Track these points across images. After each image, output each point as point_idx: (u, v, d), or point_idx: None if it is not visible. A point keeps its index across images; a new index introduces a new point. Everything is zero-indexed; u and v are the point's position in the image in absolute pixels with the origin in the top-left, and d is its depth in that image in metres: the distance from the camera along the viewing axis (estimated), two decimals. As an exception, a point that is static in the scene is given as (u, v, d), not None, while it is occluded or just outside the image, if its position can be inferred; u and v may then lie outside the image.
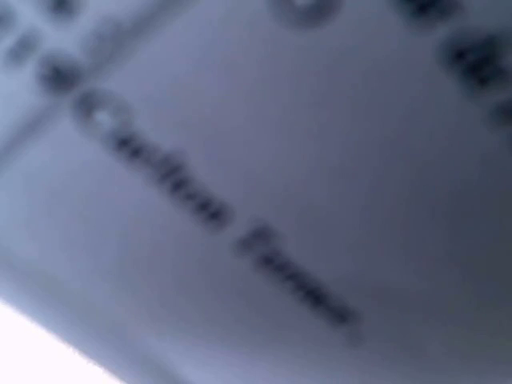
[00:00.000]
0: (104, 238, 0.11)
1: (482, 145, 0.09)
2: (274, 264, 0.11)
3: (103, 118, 0.09)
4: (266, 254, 0.11)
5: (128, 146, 0.10)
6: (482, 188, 0.09)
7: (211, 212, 0.10)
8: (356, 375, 0.12)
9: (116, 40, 0.09)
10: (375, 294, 0.11)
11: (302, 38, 0.08)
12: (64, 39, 0.09)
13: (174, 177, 0.10)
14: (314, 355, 0.12)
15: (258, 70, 0.09)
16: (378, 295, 0.11)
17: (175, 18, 0.08)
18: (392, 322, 0.11)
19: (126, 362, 0.12)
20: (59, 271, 0.11)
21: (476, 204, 0.09)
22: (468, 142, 0.09)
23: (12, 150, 0.10)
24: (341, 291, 0.11)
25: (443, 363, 0.11)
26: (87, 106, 0.09)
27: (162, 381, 0.12)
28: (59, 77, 0.09)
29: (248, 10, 0.08)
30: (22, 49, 0.09)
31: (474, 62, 0.08)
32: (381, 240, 0.10)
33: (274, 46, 0.08)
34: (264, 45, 0.08)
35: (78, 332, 0.12)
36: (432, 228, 0.10)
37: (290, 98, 0.09)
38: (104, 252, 0.11)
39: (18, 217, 0.11)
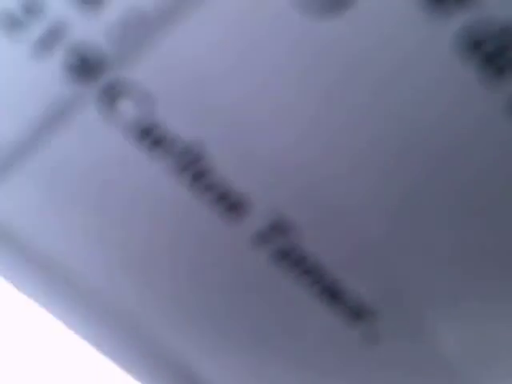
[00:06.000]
0: (124, 227, 0.11)
1: (501, 134, 0.09)
2: (291, 258, 0.11)
3: (127, 107, 0.10)
4: (284, 247, 0.11)
5: (150, 136, 0.10)
6: (500, 179, 0.09)
7: (230, 203, 0.10)
8: (371, 373, 0.12)
9: (141, 29, 0.09)
10: (392, 291, 0.11)
11: (322, 26, 0.08)
12: (91, 28, 0.09)
13: (193, 167, 0.10)
14: (330, 352, 0.12)
15: (280, 60, 0.09)
16: (395, 293, 0.11)
17: (199, 7, 0.09)
18: (408, 320, 0.11)
19: (141, 358, 0.12)
20: (79, 262, 0.11)
21: (493, 198, 0.09)
22: (486, 131, 0.09)
23: (39, 138, 0.10)
24: (358, 288, 0.11)
25: (458, 363, 0.11)
26: (112, 95, 0.10)
27: (176, 377, 0.13)
28: (86, 66, 0.09)
29: (269, 1, 0.08)
30: (51, 38, 0.09)
31: (491, 52, 0.08)
32: (399, 236, 0.10)
33: (294, 36, 0.08)
34: (285, 34, 0.08)
35: (92, 327, 0.12)
36: (447, 224, 0.10)
37: (312, 89, 0.09)
38: (124, 241, 0.11)
39: (44, 205, 0.11)
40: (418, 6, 0.08)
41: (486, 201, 0.09)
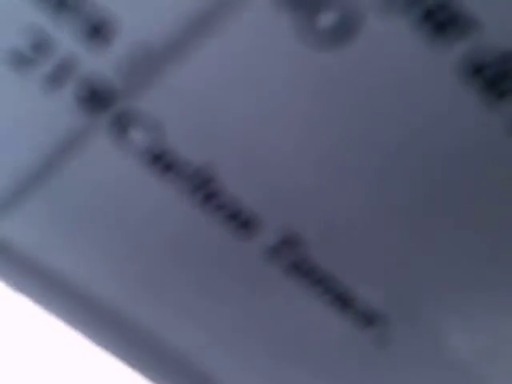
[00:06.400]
0: (139, 248, 0.11)
1: (501, 156, 0.09)
2: (303, 270, 0.11)
3: (137, 136, 0.10)
4: (295, 260, 0.11)
5: (161, 161, 0.10)
6: (499, 197, 0.09)
7: (241, 222, 0.11)
8: (383, 376, 0.12)
9: (148, 63, 0.09)
10: (401, 296, 0.11)
11: (326, 58, 0.08)
12: (100, 63, 0.09)
13: (204, 189, 0.10)
14: (342, 357, 0.12)
15: (285, 89, 0.09)
16: (405, 298, 0.11)
17: (204, 41, 0.09)
18: (417, 323, 0.11)
19: (157, 364, 0.13)
20: (96, 282, 0.12)
21: (492, 212, 0.10)
22: (487, 153, 0.09)
23: (52, 167, 0.10)
24: (368, 295, 0.11)
25: (469, 365, 0.12)
26: (122, 125, 0.10)
27: (189, 379, 0.13)
28: (96, 98, 0.10)
29: (273, 32, 0.08)
30: (61, 73, 0.09)
31: (491, 77, 0.08)
32: (407, 244, 0.11)
33: (298, 67, 0.09)
34: (289, 66, 0.09)
35: (103, 330, 0.13)
36: (454, 233, 0.10)
37: (316, 115, 0.09)
38: (139, 261, 0.11)
39: (57, 232, 0.11)
40: (420, 36, 0.08)
41: (488, 214, 0.10)
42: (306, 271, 0.11)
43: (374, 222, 0.11)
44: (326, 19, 0.08)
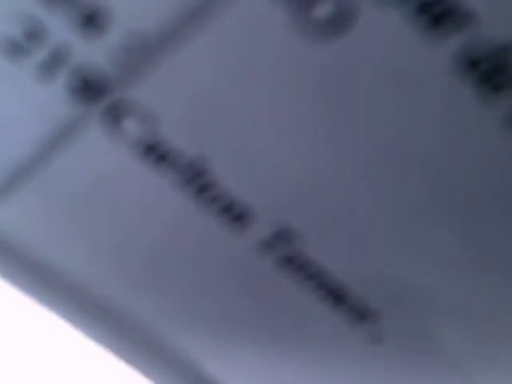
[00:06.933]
0: (131, 240, 0.11)
1: (497, 149, 0.09)
2: (296, 264, 0.11)
3: (131, 126, 0.10)
4: (288, 254, 0.11)
5: (154, 152, 0.10)
6: (496, 191, 0.09)
7: (234, 214, 0.11)
8: (376, 372, 0.12)
9: (142, 53, 0.09)
10: (394, 292, 0.11)
11: (321, 49, 0.08)
12: (93, 53, 0.09)
13: (198, 181, 0.10)
14: (336, 353, 0.12)
15: (279, 80, 0.09)
16: (397, 293, 0.11)
17: (199, 32, 0.09)
18: (410, 319, 0.11)
19: (154, 361, 0.13)
20: (89, 274, 0.12)
21: (490, 206, 0.10)
22: (483, 146, 0.09)
23: (45, 157, 0.10)
24: (361, 290, 0.11)
25: (460, 362, 0.12)
26: (115, 115, 0.10)
27: (187, 377, 0.13)
28: (88, 88, 0.10)
29: (268, 23, 0.08)
30: (54, 62, 0.09)
31: (487, 70, 0.08)
32: (399, 240, 0.11)
33: (293, 58, 0.09)
34: (284, 56, 0.09)
35: (104, 330, 0.12)
36: (447, 229, 0.10)
37: (310, 106, 0.09)
38: (131, 253, 0.11)
39: (51, 222, 0.11)
40: (416, 29, 0.08)
41: (485, 209, 0.10)
42: (299, 265, 0.11)
43: (368, 217, 0.10)
44: (322, 10, 0.08)
